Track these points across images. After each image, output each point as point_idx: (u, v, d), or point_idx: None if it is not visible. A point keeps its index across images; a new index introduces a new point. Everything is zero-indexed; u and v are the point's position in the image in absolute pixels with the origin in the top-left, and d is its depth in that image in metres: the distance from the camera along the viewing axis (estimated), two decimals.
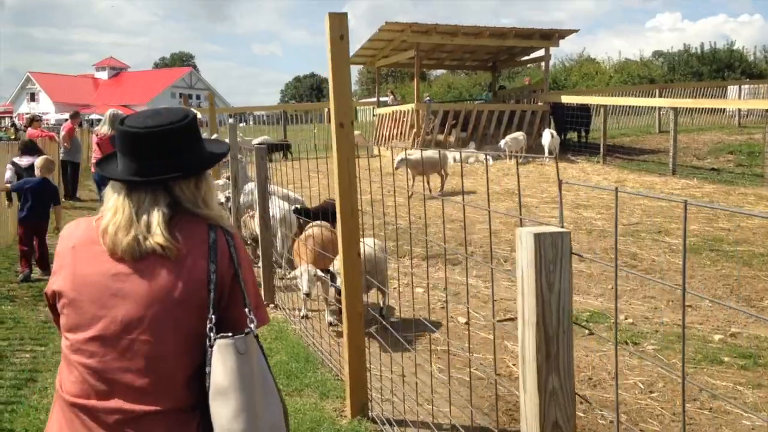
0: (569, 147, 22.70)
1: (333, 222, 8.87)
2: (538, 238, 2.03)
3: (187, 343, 1.82)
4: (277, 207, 8.93)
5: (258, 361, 1.88)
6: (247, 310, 1.91)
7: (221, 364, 1.76)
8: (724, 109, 28.47)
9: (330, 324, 7.02)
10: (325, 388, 5.40)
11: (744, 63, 47.06)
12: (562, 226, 2.14)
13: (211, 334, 1.81)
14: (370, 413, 4.87)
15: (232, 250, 1.92)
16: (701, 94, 30.46)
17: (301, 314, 7.60)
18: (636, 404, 5.16)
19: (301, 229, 10.34)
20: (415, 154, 14.38)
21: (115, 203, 1.89)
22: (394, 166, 14.46)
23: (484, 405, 5.17)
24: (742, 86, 31.07)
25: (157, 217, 1.85)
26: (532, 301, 2.06)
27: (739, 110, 27.35)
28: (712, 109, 28.20)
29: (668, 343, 6.69)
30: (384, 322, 5.68)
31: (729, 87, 32.50)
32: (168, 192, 1.90)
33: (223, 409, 1.73)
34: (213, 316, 1.83)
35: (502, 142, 19.60)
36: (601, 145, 20.17)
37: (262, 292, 8.21)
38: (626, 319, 7.51)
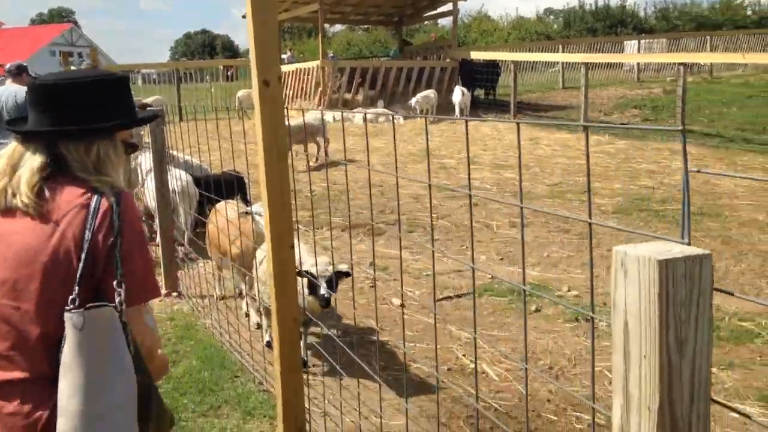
0: (479, 105, 22.24)
1: (239, 197, 7.81)
2: (666, 266, 1.20)
3: (50, 311, 1.75)
4: (177, 179, 7.76)
5: (108, 340, 1.74)
6: (115, 283, 1.78)
7: (66, 338, 1.71)
8: (622, 63, 28.85)
9: (258, 326, 6.01)
10: (249, 404, 4.46)
11: (635, 19, 48.38)
12: (689, 242, 1.31)
13: (71, 306, 1.72)
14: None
15: (114, 217, 1.80)
16: (599, 49, 30.74)
17: (216, 296, 6.57)
18: (608, 398, 4.54)
19: (201, 205, 9.22)
20: (295, 119, 13.17)
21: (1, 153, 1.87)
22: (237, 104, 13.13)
23: (441, 411, 4.41)
24: (640, 41, 31.65)
25: (27, 174, 1.82)
26: (649, 372, 1.23)
27: (638, 64, 27.77)
28: (609, 64, 28.45)
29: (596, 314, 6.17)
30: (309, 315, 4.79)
31: (626, 42, 33.07)
32: (54, 151, 1.86)
33: (62, 386, 1.70)
34: (77, 287, 1.74)
35: (412, 101, 18.84)
36: (512, 103, 19.78)
37: (162, 279, 7.11)
38: (569, 291, 6.97)
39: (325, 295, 4.34)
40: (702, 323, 1.24)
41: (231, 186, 8.16)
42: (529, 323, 6.12)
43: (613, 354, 1.33)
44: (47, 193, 1.81)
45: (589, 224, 1.65)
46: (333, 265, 4.58)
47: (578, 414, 4.31)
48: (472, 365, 5.17)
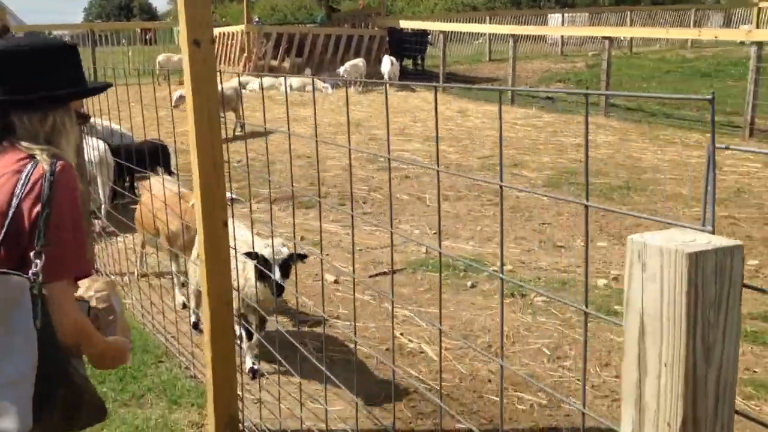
0: (407, 75, 22.04)
1: (163, 167, 7.36)
2: (696, 260, 1.03)
3: None
4: (94, 148, 7.25)
5: (7, 311, 1.63)
6: (32, 254, 1.70)
7: None
8: (545, 37, 29.19)
9: (184, 306, 5.66)
10: (175, 391, 4.17)
11: None
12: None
13: None
14: (242, 425, 3.76)
15: (45, 185, 1.73)
16: (524, 21, 31.00)
17: (137, 274, 6.19)
18: (549, 377, 4.49)
19: (120, 175, 8.70)
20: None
21: None
22: (173, 102, 12.04)
23: (381, 396, 4.24)
24: (564, 15, 32.10)
25: None
26: (671, 382, 1.07)
27: (562, 38, 28.16)
28: (533, 37, 28.72)
29: (554, 292, 6.16)
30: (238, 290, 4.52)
31: (550, 15, 33.50)
32: (5, 120, 1.84)
33: None
34: None
35: (341, 69, 18.47)
36: (441, 74, 19.69)
37: None
38: (503, 265, 6.91)
39: (279, 283, 3.83)
40: (731, 325, 1.08)
41: (153, 155, 7.70)
42: (465, 299, 6.03)
43: (625, 359, 1.16)
44: None
45: (586, 207, 1.47)
46: (287, 247, 4.12)
47: (520, 394, 4.23)
48: (411, 344, 5.03)
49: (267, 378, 4.20)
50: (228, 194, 4.46)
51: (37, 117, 1.85)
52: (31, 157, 1.81)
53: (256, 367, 4.46)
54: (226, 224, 3.60)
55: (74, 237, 1.80)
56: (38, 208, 1.73)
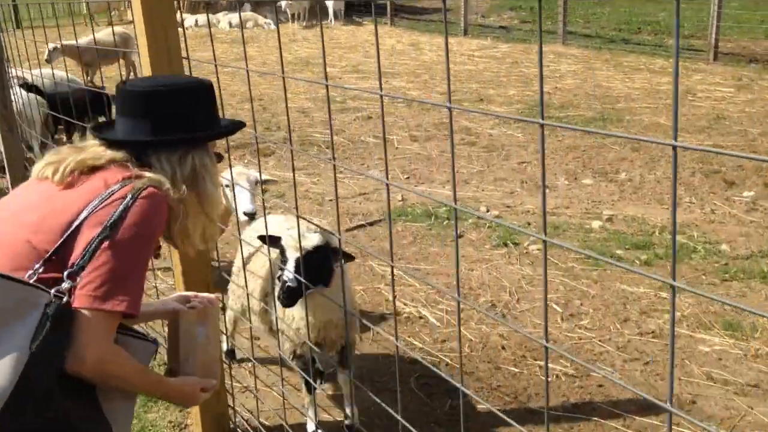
0: (353, 9, 20.99)
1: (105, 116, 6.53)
2: None
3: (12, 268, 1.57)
4: (19, 96, 6.35)
5: (8, 323, 1.52)
6: (66, 272, 1.57)
7: None
8: None
9: None
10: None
11: None
12: None
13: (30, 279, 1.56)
14: (232, 422, 3.22)
15: (120, 207, 1.61)
16: None
17: None
18: (567, 339, 4.06)
19: (55, 125, 7.79)
20: (80, 39, 10.95)
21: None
22: (45, 57, 10.20)
23: (385, 375, 3.74)
24: None
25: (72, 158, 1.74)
26: None
27: None
28: None
29: (549, 238, 5.72)
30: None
31: None
32: (144, 160, 1.78)
33: None
34: (41, 262, 1.57)
35: (283, 3, 17.37)
36: (388, 6, 18.75)
37: None
38: (488, 211, 6.44)
39: (289, 285, 2.56)
40: None
41: (91, 105, 6.84)
42: (453, 250, 5.54)
43: None
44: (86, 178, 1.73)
45: (677, 149, 0.89)
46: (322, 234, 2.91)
47: (540, 363, 3.79)
48: (407, 309, 4.52)
49: (265, 368, 3.64)
50: (254, 174, 3.96)
51: (176, 157, 1.77)
52: (135, 178, 1.69)
53: None
54: None
55: (125, 269, 1.61)
56: (99, 228, 1.60)
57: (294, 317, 2.85)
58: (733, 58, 12.27)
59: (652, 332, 4.06)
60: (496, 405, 3.44)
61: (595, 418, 3.28)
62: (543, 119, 1.23)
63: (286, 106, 2.25)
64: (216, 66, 2.55)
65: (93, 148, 1.78)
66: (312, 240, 2.66)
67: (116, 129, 1.83)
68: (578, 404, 3.41)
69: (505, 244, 5.58)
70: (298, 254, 2.57)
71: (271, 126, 9.37)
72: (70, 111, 5.80)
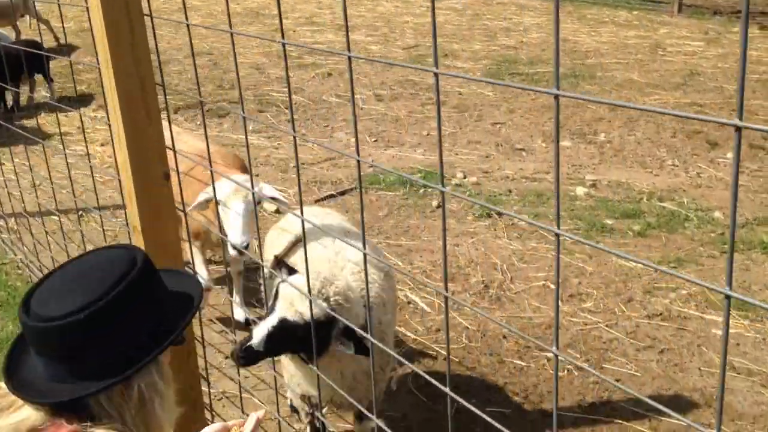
0: None
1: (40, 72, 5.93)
2: None
3: None
4: None
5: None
6: None
7: None
8: None
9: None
10: None
11: None
12: None
13: None
14: None
15: None
16: None
17: (25, 212, 4.85)
18: (571, 324, 3.74)
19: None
20: None
21: None
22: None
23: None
24: None
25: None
26: None
27: None
28: None
29: (533, 206, 5.40)
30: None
31: None
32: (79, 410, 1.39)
33: None
34: None
35: None
36: None
37: None
38: (465, 177, 6.05)
39: (251, 345, 2.10)
40: None
41: (23, 61, 6.12)
42: (437, 224, 5.16)
43: None
44: None
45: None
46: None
47: (548, 354, 3.46)
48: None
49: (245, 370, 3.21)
50: (267, 189, 3.16)
51: (118, 393, 1.39)
52: None
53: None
54: (167, 177, 2.48)
55: None
56: None
57: (289, 371, 2.40)
58: (696, 11, 12.04)
59: (660, 314, 3.77)
60: (505, 407, 3.10)
61: (618, 420, 2.98)
62: (558, 89, 0.99)
63: (236, 66, 1.81)
64: (152, 19, 2.06)
65: (24, 409, 1.38)
66: (265, 191, 2.23)
67: (35, 375, 1.41)
68: (596, 404, 3.10)
69: (488, 215, 5.22)
70: (284, 314, 2.05)
71: (223, 84, 8.73)
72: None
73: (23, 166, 4.59)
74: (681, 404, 3.04)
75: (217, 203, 3.02)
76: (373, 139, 7.11)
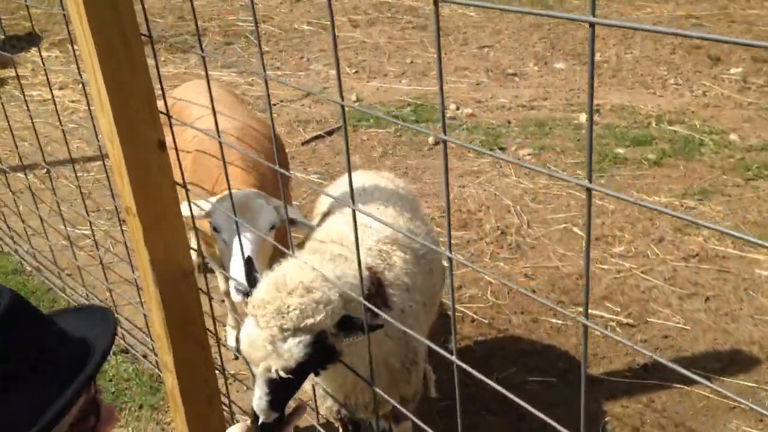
0: None
1: None
2: None
3: None
4: None
5: None
6: None
7: None
8: None
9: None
10: (122, 389, 2.76)
11: None
12: None
13: None
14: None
15: None
16: None
17: (16, 197, 4.34)
18: (603, 273, 3.45)
19: None
20: None
21: None
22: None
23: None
24: None
25: None
26: None
27: None
28: None
29: (535, 138, 5.04)
30: None
31: None
32: None
33: None
34: None
35: None
36: None
37: None
38: (458, 109, 5.64)
39: (264, 422, 1.57)
40: None
41: None
42: (437, 164, 4.78)
43: None
44: None
45: None
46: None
47: (577, 308, 3.18)
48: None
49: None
50: (270, 213, 2.21)
51: None
52: None
53: None
54: (163, 146, 2.04)
55: None
56: None
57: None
58: None
59: (697, 255, 3.51)
60: (549, 375, 2.82)
61: (676, 385, 2.72)
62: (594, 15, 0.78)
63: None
64: None
65: None
66: (293, 351, 1.51)
67: None
68: (648, 366, 2.84)
69: (491, 149, 4.85)
70: (265, 377, 1.53)
71: (184, 14, 8.02)
72: None
73: None
74: (740, 361, 2.80)
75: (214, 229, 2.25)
76: (353, 71, 6.61)
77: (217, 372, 2.39)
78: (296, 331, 1.52)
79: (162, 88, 2.02)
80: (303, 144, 5.21)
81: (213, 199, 2.20)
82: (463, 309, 3.24)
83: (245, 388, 2.80)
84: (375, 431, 2.05)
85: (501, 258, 3.60)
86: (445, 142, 1.17)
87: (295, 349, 1.51)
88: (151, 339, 2.69)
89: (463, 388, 2.80)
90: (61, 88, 6.38)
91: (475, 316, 3.19)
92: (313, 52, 7.01)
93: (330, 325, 1.58)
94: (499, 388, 1.08)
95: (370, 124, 5.43)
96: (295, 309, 1.53)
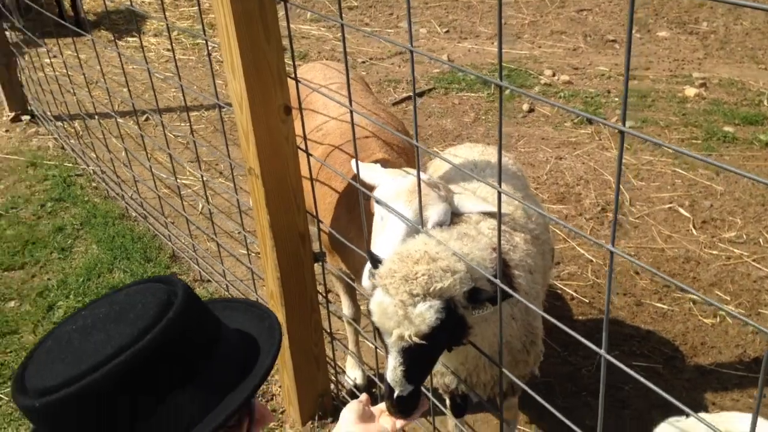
0: None
1: None
2: None
3: None
4: None
5: None
6: None
7: None
8: None
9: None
10: None
11: None
12: None
13: None
14: (335, 397, 2.51)
15: None
16: None
17: (83, 114, 4.46)
18: (712, 259, 3.30)
19: None
20: None
21: None
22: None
23: None
24: None
25: None
26: None
27: None
28: None
29: (636, 110, 4.83)
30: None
31: None
32: None
33: None
34: None
35: None
36: None
37: (3, 98, 4.90)
38: (555, 75, 5.45)
39: (400, 395, 1.54)
40: None
41: None
42: (531, 132, 4.65)
43: None
44: None
45: None
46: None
47: (693, 297, 3.05)
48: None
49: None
50: (465, 201, 1.94)
51: None
52: None
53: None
54: (289, 110, 2.02)
55: None
56: None
57: None
58: None
59: None
60: (655, 362, 2.74)
61: None
62: None
63: None
64: None
65: None
66: (425, 315, 1.50)
67: None
68: (760, 360, 2.72)
69: (589, 121, 4.68)
70: (399, 345, 1.52)
71: None
72: None
73: (75, 61, 4.12)
74: None
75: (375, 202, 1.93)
76: (444, 30, 6.46)
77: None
78: (425, 296, 1.52)
79: (291, 49, 1.99)
80: (393, 104, 5.14)
81: (395, 173, 2.03)
82: (561, 286, 3.16)
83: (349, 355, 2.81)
84: (488, 407, 2.02)
85: (602, 236, 3.49)
86: (622, 132, 1.10)
87: (426, 313, 1.50)
88: (255, 291, 2.72)
89: (560, 367, 2.75)
90: (155, 35, 6.46)
91: (575, 294, 3.11)
92: (403, 8, 6.87)
93: (459, 294, 1.55)
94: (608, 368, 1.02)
95: (462, 87, 5.31)
96: (423, 275, 1.53)
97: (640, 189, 3.90)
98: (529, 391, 1.52)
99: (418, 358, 1.54)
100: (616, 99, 5.01)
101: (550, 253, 2.33)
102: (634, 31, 6.12)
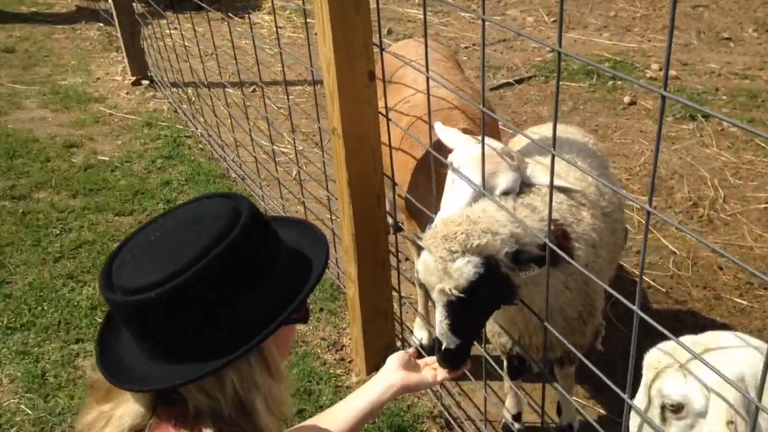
0: None
1: None
2: None
3: None
4: None
5: None
6: None
7: None
8: None
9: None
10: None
11: None
12: None
13: None
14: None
15: None
16: None
17: (199, 83, 4.78)
18: None
19: None
20: None
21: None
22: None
23: None
24: None
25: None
26: None
27: None
28: None
29: (745, 110, 4.65)
30: None
31: None
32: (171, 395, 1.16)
33: None
34: None
35: None
36: None
37: (126, 61, 5.30)
38: (661, 70, 5.32)
39: (448, 348, 1.66)
40: None
41: None
42: (629, 124, 4.58)
43: None
44: None
45: None
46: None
47: (767, 292, 2.97)
48: None
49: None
50: (502, 178, 1.90)
51: (211, 384, 1.11)
52: None
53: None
54: (372, 77, 2.15)
55: None
56: None
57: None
58: None
59: None
60: None
61: None
62: None
63: None
64: None
65: (121, 406, 1.16)
66: (463, 270, 1.60)
67: (129, 353, 1.17)
68: None
69: (692, 117, 4.55)
70: (444, 299, 1.64)
71: None
72: None
73: (190, 32, 4.44)
74: None
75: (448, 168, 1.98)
76: (552, 19, 6.42)
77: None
78: (464, 252, 1.63)
79: (378, 22, 2.10)
80: (491, 90, 5.18)
81: (472, 140, 2.12)
82: (638, 273, 3.14)
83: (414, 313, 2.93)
84: (540, 369, 2.08)
85: (689, 228, 3.42)
86: (663, 97, 1.14)
87: (464, 267, 1.62)
88: (335, 252, 2.88)
89: (627, 348, 2.75)
90: (269, 13, 6.77)
91: (652, 283, 3.09)
92: None
93: (500, 253, 1.63)
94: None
95: (562, 76, 5.28)
96: (461, 234, 1.64)
97: (736, 187, 3.78)
98: (584, 360, 1.58)
99: (462, 312, 1.65)
100: (724, 97, 4.84)
101: (622, 233, 2.35)
102: (751, 30, 5.88)
